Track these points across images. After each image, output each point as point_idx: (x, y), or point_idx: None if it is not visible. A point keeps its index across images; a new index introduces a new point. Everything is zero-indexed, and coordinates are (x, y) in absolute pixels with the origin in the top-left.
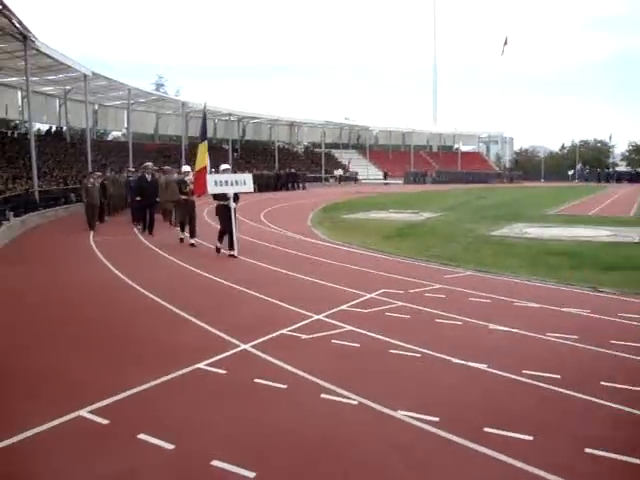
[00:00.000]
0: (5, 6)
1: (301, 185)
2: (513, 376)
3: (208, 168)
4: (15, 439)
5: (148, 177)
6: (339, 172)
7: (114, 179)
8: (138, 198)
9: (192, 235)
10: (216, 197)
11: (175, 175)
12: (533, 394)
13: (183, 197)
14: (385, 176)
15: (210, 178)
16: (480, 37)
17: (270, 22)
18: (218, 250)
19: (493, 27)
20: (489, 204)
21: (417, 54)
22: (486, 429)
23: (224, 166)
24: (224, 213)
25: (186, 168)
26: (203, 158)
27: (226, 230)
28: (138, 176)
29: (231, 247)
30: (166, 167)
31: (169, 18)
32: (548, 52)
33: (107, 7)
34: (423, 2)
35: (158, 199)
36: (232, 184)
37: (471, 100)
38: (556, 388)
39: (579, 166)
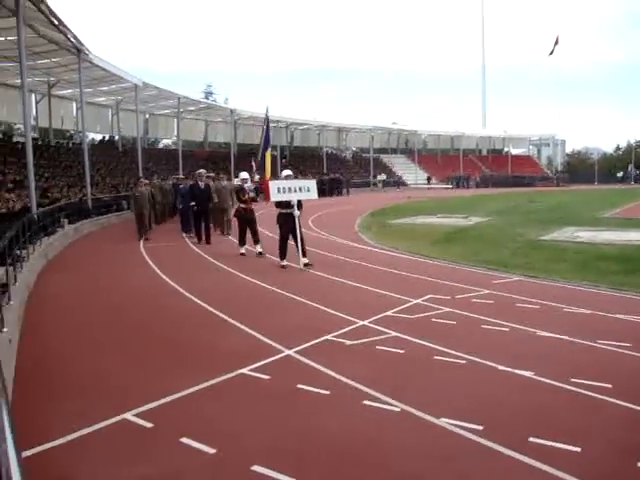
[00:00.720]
0: (61, 22)
1: (344, 190)
2: (561, 384)
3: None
4: (62, 440)
5: (201, 184)
6: (382, 177)
7: (160, 186)
8: (193, 204)
9: (256, 242)
10: (278, 205)
11: (225, 182)
12: (581, 403)
13: (242, 205)
14: (429, 180)
15: (273, 185)
16: (529, 37)
17: (318, 27)
18: (283, 266)
19: (543, 26)
20: (540, 208)
21: (465, 56)
22: (531, 439)
23: (286, 172)
24: (287, 222)
25: (244, 175)
26: (269, 165)
27: (287, 239)
28: (190, 183)
29: (304, 254)
30: (219, 175)
31: (217, 27)
32: (601, 50)
33: (156, 20)
34: (471, 3)
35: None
36: (295, 191)
37: (521, 102)
38: (606, 398)
39: (631, 167)
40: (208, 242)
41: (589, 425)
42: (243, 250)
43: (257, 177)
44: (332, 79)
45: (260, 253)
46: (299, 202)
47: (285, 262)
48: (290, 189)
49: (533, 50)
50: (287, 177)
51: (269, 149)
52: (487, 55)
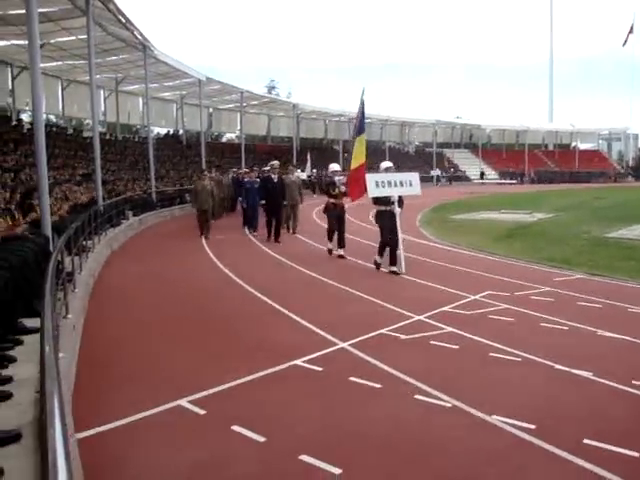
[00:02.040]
0: (128, 20)
1: None
2: (620, 386)
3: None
4: (120, 423)
5: (274, 177)
6: (436, 172)
7: (219, 180)
8: (263, 202)
9: (340, 245)
10: (376, 201)
11: (296, 174)
12: None
13: (332, 201)
14: (482, 175)
15: (370, 178)
16: (600, 27)
17: (380, 21)
18: (378, 266)
19: (615, 15)
20: (607, 204)
21: (532, 48)
22: (586, 441)
23: (386, 164)
24: (387, 220)
25: (335, 167)
26: (361, 154)
27: (390, 242)
28: (263, 176)
29: (392, 262)
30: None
31: (280, 24)
32: None
33: (219, 17)
34: None
35: (285, 202)
36: (396, 185)
37: (591, 95)
38: None
39: None
40: (277, 240)
41: None
42: (332, 245)
43: (330, 169)
44: (395, 74)
45: (341, 256)
46: (400, 198)
47: (380, 259)
48: (390, 183)
49: (604, 41)
50: (387, 169)
51: (363, 133)
52: (555, 47)
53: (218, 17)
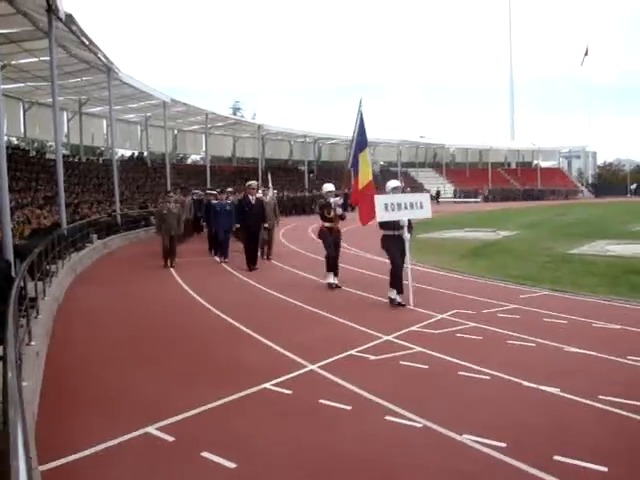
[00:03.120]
0: (92, 42)
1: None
2: (588, 402)
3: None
4: (85, 453)
5: (252, 199)
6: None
7: (181, 202)
8: (237, 225)
9: (335, 274)
10: (384, 225)
11: (269, 195)
12: (609, 421)
13: (327, 225)
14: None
15: (379, 201)
16: (558, 49)
17: (344, 44)
18: (392, 301)
19: (572, 37)
20: (569, 221)
21: (493, 69)
22: (556, 457)
23: (394, 183)
24: (396, 247)
25: (330, 187)
26: (367, 171)
27: (399, 270)
28: (239, 198)
29: (399, 290)
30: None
31: (245, 46)
32: (631, 60)
33: (184, 39)
34: (498, 16)
35: (267, 225)
36: (406, 207)
37: (551, 114)
38: (635, 416)
39: None
40: (254, 266)
41: (616, 444)
42: (332, 280)
43: (323, 190)
44: (359, 95)
45: (336, 285)
46: (409, 222)
47: (395, 296)
48: (400, 206)
49: (561, 61)
50: (394, 190)
51: (366, 148)
52: (515, 67)
53: (184, 38)
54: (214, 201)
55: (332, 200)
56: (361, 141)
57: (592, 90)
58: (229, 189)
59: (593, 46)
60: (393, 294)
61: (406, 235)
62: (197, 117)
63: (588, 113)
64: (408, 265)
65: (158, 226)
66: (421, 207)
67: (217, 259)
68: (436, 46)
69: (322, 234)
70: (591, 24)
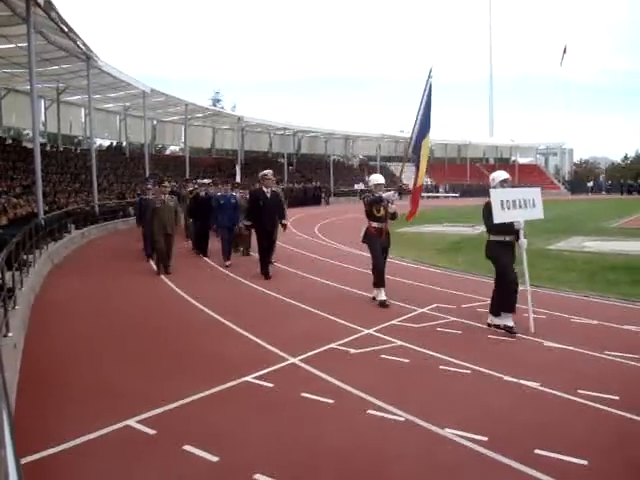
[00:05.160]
0: (71, 29)
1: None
2: (567, 396)
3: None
4: (64, 446)
5: (267, 191)
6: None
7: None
8: (248, 223)
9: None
10: (494, 228)
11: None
12: (588, 415)
13: (375, 225)
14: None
15: (496, 196)
16: (538, 46)
17: (325, 36)
18: (510, 330)
19: (551, 35)
20: (546, 217)
21: (473, 65)
22: (537, 451)
23: (501, 174)
24: (507, 257)
25: (379, 179)
26: (424, 163)
27: (509, 290)
28: (253, 190)
29: (512, 310)
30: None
31: (225, 36)
32: (609, 59)
33: (166, 28)
34: (479, 12)
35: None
36: (521, 206)
37: (529, 111)
38: (614, 410)
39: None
40: (267, 276)
41: (596, 437)
42: (384, 296)
43: (371, 182)
44: (340, 88)
45: (382, 302)
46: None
47: (507, 325)
48: (515, 204)
49: (541, 59)
50: (503, 182)
51: (428, 134)
52: (495, 64)
53: (165, 27)
54: (218, 193)
55: (384, 195)
56: (425, 124)
57: (570, 88)
58: (205, 180)
59: (574, 45)
60: (503, 320)
61: (523, 241)
62: (177, 107)
63: (566, 111)
64: (527, 283)
65: (150, 222)
66: (534, 206)
67: (209, 260)
68: (417, 41)
69: (369, 237)
70: (572, 23)
